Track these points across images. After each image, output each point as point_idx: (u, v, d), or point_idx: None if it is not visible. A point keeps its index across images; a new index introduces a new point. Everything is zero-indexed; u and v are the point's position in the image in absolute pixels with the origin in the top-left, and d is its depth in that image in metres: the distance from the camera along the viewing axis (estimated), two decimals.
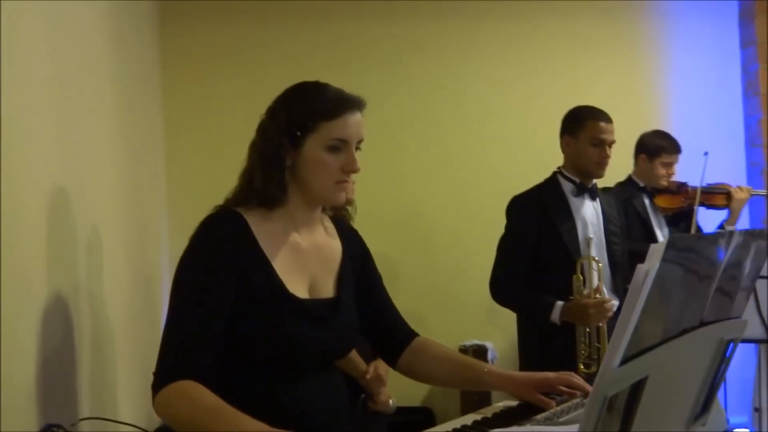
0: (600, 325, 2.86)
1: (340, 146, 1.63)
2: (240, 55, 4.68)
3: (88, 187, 2.79)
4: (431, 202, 4.84)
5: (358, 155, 1.69)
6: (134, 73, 3.75)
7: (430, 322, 4.84)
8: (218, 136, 4.59)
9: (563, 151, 3.13)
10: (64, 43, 2.57)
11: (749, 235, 1.15)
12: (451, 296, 4.83)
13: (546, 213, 3.00)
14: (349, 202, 2.59)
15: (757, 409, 3.55)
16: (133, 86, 3.71)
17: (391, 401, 2.67)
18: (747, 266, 1.26)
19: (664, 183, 3.81)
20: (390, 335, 1.86)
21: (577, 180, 3.06)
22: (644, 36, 4.94)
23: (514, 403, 1.69)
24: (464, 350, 4.64)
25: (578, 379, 1.70)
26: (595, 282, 2.87)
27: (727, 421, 3.05)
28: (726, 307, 1.24)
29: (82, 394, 2.47)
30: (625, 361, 0.92)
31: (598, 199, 3.10)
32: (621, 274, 3.10)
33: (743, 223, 4.21)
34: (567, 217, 3.01)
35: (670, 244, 0.87)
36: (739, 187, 3.89)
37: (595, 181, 3.11)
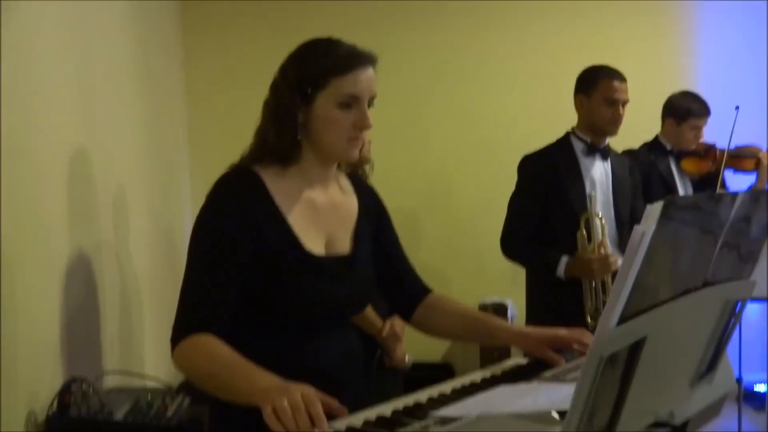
0: (605, 279, 2.89)
1: (352, 102, 1.61)
2: (260, 15, 4.67)
3: (110, 148, 2.83)
4: (453, 161, 4.83)
5: (371, 111, 1.68)
6: (154, 36, 3.77)
7: (450, 279, 4.88)
8: (239, 94, 4.57)
9: (577, 110, 3.11)
10: (83, 8, 2.59)
11: (755, 194, 1.14)
12: (471, 254, 4.85)
13: (555, 171, 3.02)
14: (366, 160, 2.60)
15: None
16: (154, 49, 3.73)
17: (407, 358, 2.71)
18: (755, 226, 1.26)
19: (692, 146, 3.71)
20: (405, 291, 1.87)
21: (589, 140, 3.06)
22: (671, 12, 4.85)
23: (525, 361, 1.71)
24: (484, 308, 4.67)
25: (590, 336, 1.70)
26: (599, 238, 2.90)
27: (739, 378, 3.05)
28: (732, 267, 1.24)
29: (106, 349, 2.54)
30: (622, 321, 0.93)
31: (609, 159, 3.10)
32: (628, 234, 3.09)
33: None
34: (575, 176, 3.02)
35: (669, 204, 0.88)
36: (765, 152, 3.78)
37: (607, 141, 3.11)
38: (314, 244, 1.65)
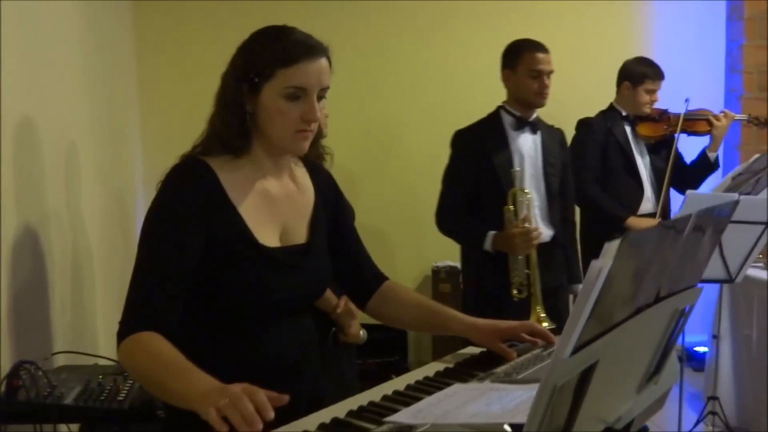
0: (528, 253, 2.97)
1: (299, 94, 1.57)
2: None
3: (58, 114, 2.73)
4: (408, 126, 4.83)
5: (323, 103, 1.65)
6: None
7: (404, 244, 4.91)
8: (190, 59, 4.52)
9: (505, 84, 3.17)
10: None
11: (709, 210, 1.16)
12: (424, 219, 4.86)
13: (484, 146, 3.08)
14: (322, 135, 2.57)
15: (715, 336, 3.69)
16: (103, 15, 3.59)
17: (362, 332, 2.72)
18: (708, 235, 1.28)
19: (647, 110, 3.78)
20: (359, 279, 1.87)
21: (518, 113, 3.12)
22: None
23: (477, 350, 1.73)
24: (437, 271, 4.73)
25: (540, 328, 1.73)
26: (523, 212, 2.96)
27: (680, 371, 3.17)
28: (683, 277, 1.26)
29: (56, 325, 2.49)
30: (575, 351, 0.94)
31: (539, 132, 3.15)
32: (559, 206, 3.21)
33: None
34: (504, 150, 3.08)
35: (624, 241, 0.88)
36: (723, 113, 3.85)
37: (536, 114, 3.17)
38: (268, 235, 1.64)
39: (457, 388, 1.41)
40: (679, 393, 3.45)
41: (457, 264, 4.67)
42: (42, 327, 2.42)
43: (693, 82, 4.74)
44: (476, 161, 3.09)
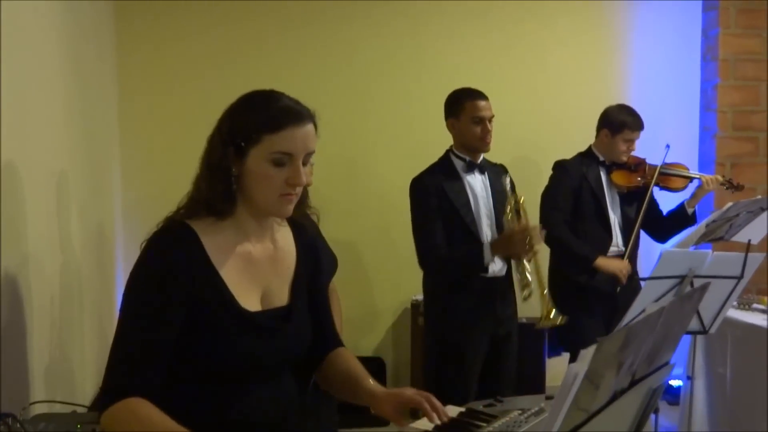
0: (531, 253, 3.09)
1: (285, 160, 1.59)
2: (193, 7, 4.58)
3: (36, 154, 2.73)
4: (386, 160, 4.85)
5: (309, 167, 1.67)
6: (86, 32, 3.63)
7: (382, 277, 4.93)
8: (172, 85, 4.52)
9: (450, 132, 3.35)
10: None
11: (686, 296, 1.19)
12: (403, 252, 4.89)
13: (442, 188, 3.23)
14: (308, 183, 2.59)
15: (690, 377, 3.74)
16: (85, 44, 3.59)
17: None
18: (684, 316, 1.31)
19: (624, 158, 3.81)
20: (318, 345, 1.86)
21: (467, 158, 3.30)
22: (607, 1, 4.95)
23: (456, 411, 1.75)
24: (416, 304, 4.75)
25: (429, 405, 1.69)
26: (523, 219, 3.15)
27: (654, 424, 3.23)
28: (657, 357, 1.30)
29: (33, 375, 2.47)
30: None
31: (486, 173, 3.33)
32: None
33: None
34: (461, 191, 3.26)
35: (598, 349, 0.91)
36: (711, 179, 3.86)
37: (482, 156, 3.35)
38: (249, 298, 1.65)
39: None
40: (654, 430, 3.48)
41: None
42: (20, 375, 2.40)
43: (669, 120, 4.83)
44: (439, 202, 3.22)
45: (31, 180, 2.59)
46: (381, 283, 4.92)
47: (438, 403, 1.71)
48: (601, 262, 3.67)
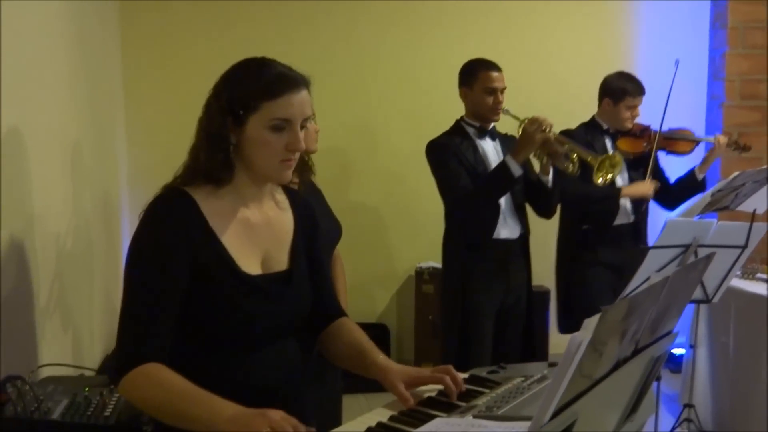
0: (547, 138, 3.15)
1: (284, 125, 1.60)
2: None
3: (42, 121, 2.73)
4: (394, 127, 4.85)
5: (313, 126, 1.67)
6: (91, 13, 3.61)
7: (389, 244, 4.94)
8: (175, 57, 4.53)
9: (463, 100, 3.43)
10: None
11: (691, 266, 1.20)
12: (408, 219, 4.92)
13: (458, 149, 3.31)
14: (312, 150, 2.59)
15: (692, 346, 3.76)
16: (91, 22, 3.57)
17: None
18: (688, 285, 1.32)
19: (628, 125, 3.79)
20: (318, 313, 1.87)
21: (478, 124, 3.39)
22: None
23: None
24: (420, 272, 4.77)
25: (452, 377, 1.67)
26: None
27: (657, 402, 3.27)
28: (661, 326, 1.30)
29: (41, 338, 2.50)
30: (555, 415, 0.98)
31: (497, 140, 3.43)
32: (523, 207, 3.44)
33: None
34: (476, 152, 3.35)
35: (602, 318, 0.92)
36: (719, 136, 3.82)
37: (493, 125, 3.43)
38: (250, 263, 1.67)
39: (438, 423, 1.45)
40: (656, 397, 3.52)
41: (440, 265, 4.74)
42: (28, 338, 2.43)
43: (676, 88, 4.78)
44: (457, 159, 3.30)
45: (35, 145, 2.59)
46: (385, 250, 4.94)
47: (458, 376, 1.69)
48: (626, 190, 3.70)
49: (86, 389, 2.16)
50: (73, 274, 2.98)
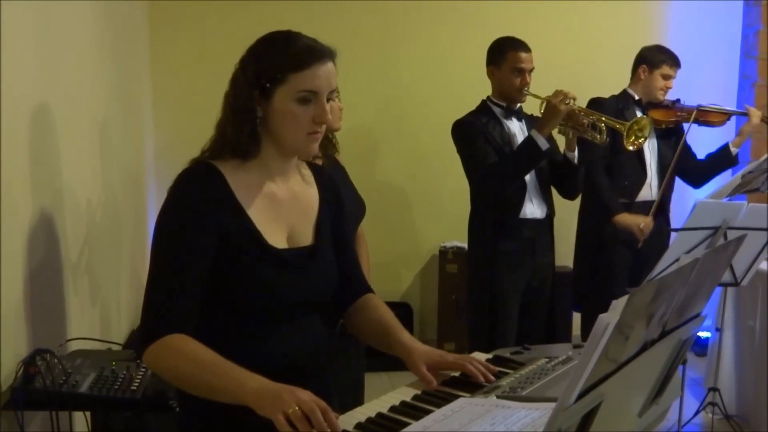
0: (572, 109, 3.16)
1: (311, 98, 1.60)
2: None
3: (71, 101, 2.75)
4: (419, 107, 4.82)
5: (336, 100, 1.66)
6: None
7: (413, 223, 4.94)
8: (202, 51, 4.52)
9: (490, 79, 3.41)
10: None
11: (712, 254, 1.18)
12: (432, 199, 4.90)
13: (486, 130, 3.30)
14: (337, 128, 2.58)
15: (718, 329, 3.72)
16: (120, 10, 3.58)
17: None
18: (718, 268, 1.30)
19: (661, 96, 3.75)
20: (344, 288, 1.87)
21: (504, 104, 3.36)
22: None
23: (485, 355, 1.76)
24: (444, 251, 4.77)
25: (476, 365, 1.66)
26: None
27: (682, 385, 3.25)
28: (689, 308, 1.29)
29: (69, 312, 2.53)
30: (580, 397, 0.97)
31: (523, 120, 3.40)
32: (549, 187, 3.43)
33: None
34: (502, 131, 3.33)
35: (630, 300, 0.91)
36: (754, 110, 3.75)
37: (519, 105, 3.40)
38: (276, 237, 1.67)
39: (462, 403, 1.44)
40: (681, 379, 3.50)
41: (465, 244, 4.73)
42: (57, 312, 2.46)
43: (707, 66, 4.71)
44: (484, 138, 3.29)
45: (64, 124, 2.61)
46: (409, 229, 4.93)
47: (484, 363, 1.69)
48: (620, 218, 3.65)
49: (113, 363, 2.20)
50: (101, 248, 3.01)
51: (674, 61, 3.74)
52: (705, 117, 3.82)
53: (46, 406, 2.02)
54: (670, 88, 3.79)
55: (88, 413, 2.32)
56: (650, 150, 3.77)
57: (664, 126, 3.77)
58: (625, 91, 3.85)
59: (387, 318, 1.85)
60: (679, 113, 3.78)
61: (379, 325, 1.83)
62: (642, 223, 3.58)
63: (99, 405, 2.08)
